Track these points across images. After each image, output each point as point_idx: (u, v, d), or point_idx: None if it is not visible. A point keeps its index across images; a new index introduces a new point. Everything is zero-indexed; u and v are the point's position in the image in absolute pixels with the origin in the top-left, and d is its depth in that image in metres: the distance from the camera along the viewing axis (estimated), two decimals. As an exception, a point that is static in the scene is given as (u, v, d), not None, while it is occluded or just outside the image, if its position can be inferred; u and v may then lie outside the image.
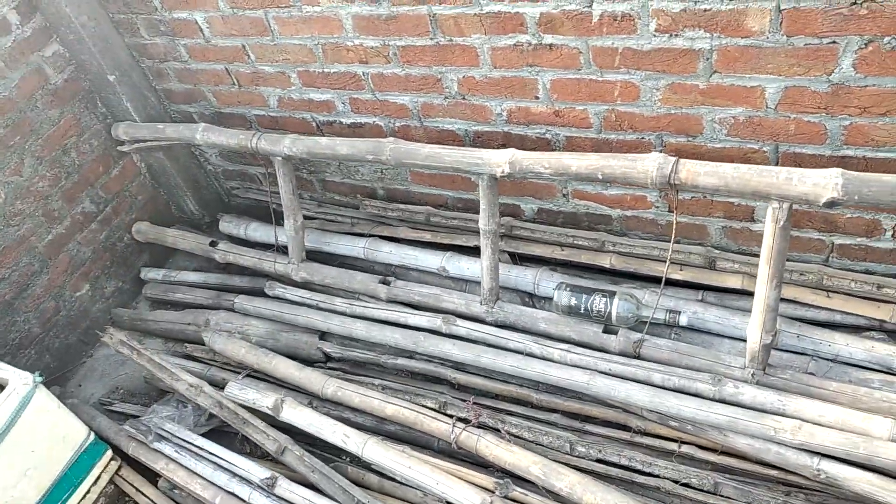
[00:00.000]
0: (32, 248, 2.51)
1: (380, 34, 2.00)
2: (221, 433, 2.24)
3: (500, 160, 1.87)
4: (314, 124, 2.42)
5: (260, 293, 2.57)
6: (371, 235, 2.47)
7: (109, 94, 2.57)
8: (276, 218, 2.76)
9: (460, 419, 1.93)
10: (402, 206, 2.48)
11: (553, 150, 2.05)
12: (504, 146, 2.07)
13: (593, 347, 1.94)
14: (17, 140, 2.39)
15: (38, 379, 1.95)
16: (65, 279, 2.64)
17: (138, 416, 2.41)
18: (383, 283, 2.31)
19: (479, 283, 2.21)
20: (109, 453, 2.19)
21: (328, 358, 2.35)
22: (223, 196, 3.03)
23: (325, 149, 2.17)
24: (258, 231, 2.71)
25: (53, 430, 2.01)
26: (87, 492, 2.13)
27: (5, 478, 1.89)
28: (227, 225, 2.80)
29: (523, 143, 2.07)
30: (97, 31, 2.41)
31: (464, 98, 2.06)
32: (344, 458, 2.09)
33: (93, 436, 2.13)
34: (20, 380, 1.92)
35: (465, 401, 2.00)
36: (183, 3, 2.24)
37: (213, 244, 2.69)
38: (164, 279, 2.83)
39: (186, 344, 2.53)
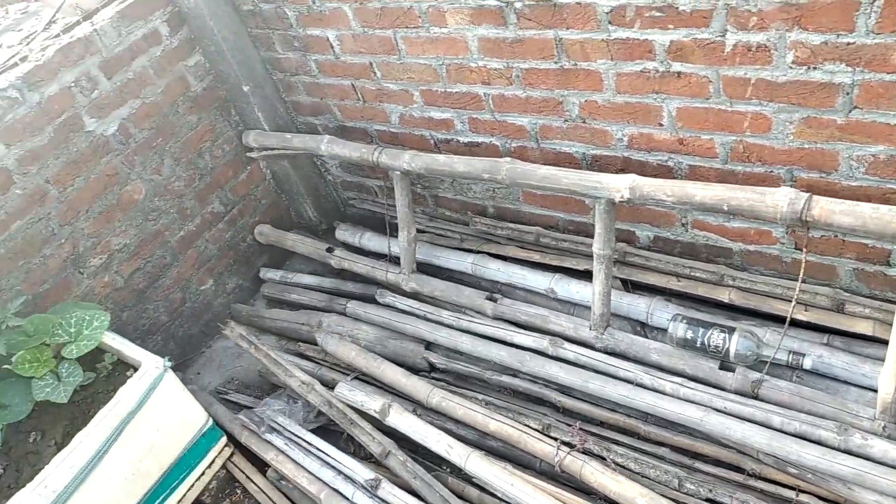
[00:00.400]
0: (166, 243, 2.70)
1: (504, 56, 2.04)
2: (327, 431, 2.34)
3: (619, 185, 1.87)
4: (432, 141, 2.49)
5: (371, 300, 2.66)
6: (479, 252, 2.51)
7: (243, 103, 2.75)
8: (389, 229, 2.86)
9: (564, 443, 1.93)
10: (511, 225, 2.51)
11: (674, 178, 2.02)
12: (622, 171, 2.07)
13: (708, 383, 1.89)
14: (160, 142, 2.59)
15: (168, 364, 2.10)
16: (192, 273, 2.83)
17: (251, 408, 2.55)
18: (490, 299, 2.35)
19: (587, 307, 2.21)
20: (224, 440, 2.32)
21: (432, 368, 2.40)
22: (340, 205, 3.15)
23: (442, 166, 2.24)
24: (372, 241, 2.81)
25: (177, 413, 2.16)
26: (202, 474, 2.27)
27: (133, 452, 2.04)
28: (343, 233, 2.92)
29: (643, 170, 2.06)
30: (236, 45, 2.58)
31: (584, 122, 2.07)
32: (444, 468, 2.13)
33: (211, 421, 2.27)
34: (152, 363, 2.07)
35: (569, 425, 2.00)
36: (317, 21, 2.37)
37: (329, 250, 2.81)
38: (281, 280, 2.98)
39: (300, 343, 2.65)
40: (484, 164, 2.14)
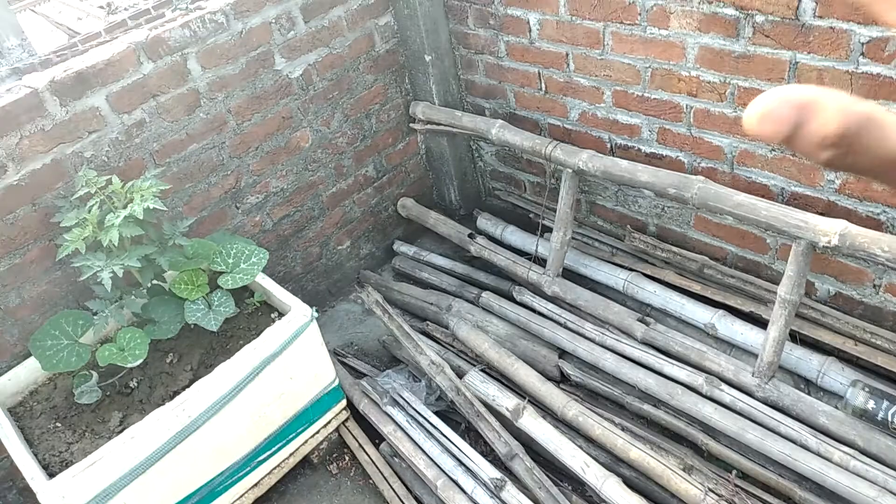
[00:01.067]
0: (318, 196, 2.71)
1: (724, 70, 1.93)
2: (444, 418, 2.28)
3: (828, 229, 1.72)
4: (609, 145, 2.39)
5: (503, 294, 2.59)
6: (633, 270, 2.40)
7: (419, 73, 2.72)
8: (536, 227, 2.78)
9: (712, 490, 1.80)
10: (674, 248, 2.38)
11: (884, 232, 1.86)
12: (823, 215, 1.92)
13: (883, 462, 1.73)
14: (335, 95, 2.59)
15: (315, 314, 2.08)
16: (333, 231, 2.83)
17: (366, 375, 2.52)
18: (641, 321, 2.23)
19: (747, 351, 2.07)
20: (344, 402, 2.29)
21: (563, 378, 2.31)
22: (483, 194, 3.10)
23: (623, 171, 2.14)
24: (515, 235, 2.74)
25: (311, 366, 2.14)
26: (317, 432, 2.25)
27: (264, 395, 2.04)
28: (486, 222, 2.86)
29: (848, 218, 1.90)
30: (429, 12, 2.55)
31: (794, 155, 1.93)
32: (565, 483, 2.04)
33: (337, 381, 2.24)
34: (301, 310, 2.06)
35: (719, 474, 1.86)
36: (522, 1, 2.31)
37: (471, 236, 2.76)
38: (413, 256, 2.95)
39: (427, 321, 2.60)
40: (672, 178, 2.03)
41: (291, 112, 2.48)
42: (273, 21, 2.30)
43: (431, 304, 2.65)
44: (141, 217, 1.85)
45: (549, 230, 2.62)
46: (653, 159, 2.28)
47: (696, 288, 2.28)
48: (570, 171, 2.29)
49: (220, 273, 2.10)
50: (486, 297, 2.55)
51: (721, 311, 2.16)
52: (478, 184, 3.07)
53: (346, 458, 2.32)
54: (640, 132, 2.26)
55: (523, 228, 2.78)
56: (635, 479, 1.95)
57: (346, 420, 2.33)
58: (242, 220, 2.50)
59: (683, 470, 1.89)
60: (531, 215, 2.83)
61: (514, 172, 2.86)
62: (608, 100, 2.29)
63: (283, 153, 2.52)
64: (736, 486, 1.82)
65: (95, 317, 2.02)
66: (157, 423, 1.83)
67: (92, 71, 2.01)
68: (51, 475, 1.84)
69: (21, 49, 6.82)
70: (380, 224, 2.99)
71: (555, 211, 2.66)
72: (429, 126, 2.78)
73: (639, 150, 2.31)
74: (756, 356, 2.05)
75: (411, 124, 2.85)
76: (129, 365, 1.95)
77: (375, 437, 2.29)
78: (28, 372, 2.10)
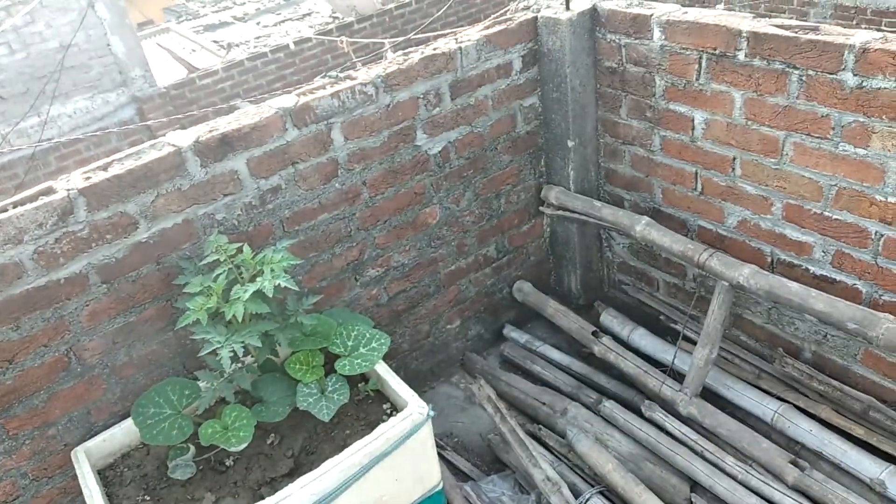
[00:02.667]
0: (436, 273, 2.57)
1: (931, 202, 1.69)
2: (554, 541, 2.05)
3: None
4: (770, 259, 2.16)
5: (626, 404, 2.36)
6: (785, 401, 2.13)
7: (557, 156, 2.57)
8: (665, 331, 2.56)
9: None
10: (833, 381, 2.11)
11: None
12: None
13: None
14: (469, 174, 2.47)
15: (431, 413, 1.91)
16: (445, 309, 2.68)
17: (467, 476, 2.32)
18: (794, 463, 1.96)
19: (928, 521, 1.77)
20: (446, 509, 2.11)
21: (695, 515, 2.05)
22: (606, 286, 2.90)
23: (791, 295, 1.91)
24: (645, 340, 2.52)
25: (419, 467, 1.96)
26: (413, 538, 2.06)
27: (368, 495, 1.86)
28: (611, 320, 2.65)
29: None
30: (579, 98, 2.42)
31: None
32: None
33: (442, 485, 2.06)
34: (418, 406, 1.89)
35: None
36: (689, 98, 2.14)
37: (594, 334, 2.55)
38: (525, 344, 2.76)
39: (540, 426, 2.39)
40: (854, 312, 1.78)
41: (424, 188, 2.37)
42: (421, 96, 2.21)
43: (544, 404, 2.44)
44: (271, 294, 1.74)
45: (679, 335, 2.39)
46: (822, 282, 2.04)
47: (859, 432, 1.99)
48: (725, 284, 2.07)
49: (337, 355, 1.97)
50: (609, 406, 2.33)
51: (892, 467, 1.87)
52: (602, 274, 2.88)
53: (441, 570, 2.12)
54: (812, 251, 2.03)
55: (651, 330, 2.56)
56: None
57: (445, 527, 2.13)
58: (360, 292, 2.39)
59: None
60: (661, 317, 2.60)
61: (648, 269, 2.65)
62: (777, 212, 2.07)
63: (410, 228, 2.40)
64: None
65: (202, 389, 1.92)
66: (255, 519, 1.69)
67: (237, 134, 1.95)
68: (137, 555, 1.72)
69: (143, 80, 7.12)
70: (492, 305, 2.83)
71: (691, 317, 2.43)
72: (560, 212, 2.62)
73: (806, 269, 2.07)
74: (939, 532, 1.75)
75: (541, 207, 2.69)
76: (233, 448, 1.82)
77: (475, 551, 2.08)
78: (124, 434, 2.00)
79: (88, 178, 1.84)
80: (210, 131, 1.94)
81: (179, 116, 5.48)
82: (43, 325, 1.82)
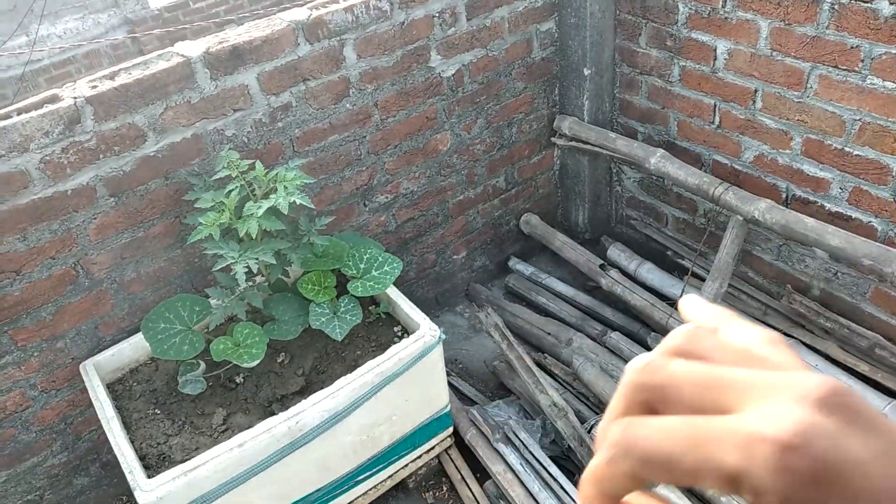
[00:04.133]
0: (444, 202, 2.54)
1: (958, 137, 1.67)
2: (556, 464, 2.09)
3: None
4: (785, 195, 2.14)
5: (631, 336, 2.38)
6: (790, 336, 2.15)
7: (572, 85, 2.52)
8: (672, 266, 2.56)
9: None
10: (841, 319, 2.12)
11: None
12: None
13: None
14: (483, 99, 2.41)
15: (443, 336, 1.92)
16: (452, 239, 2.66)
17: (473, 401, 2.35)
18: (798, 397, 1.99)
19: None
20: (451, 429, 2.13)
21: (696, 444, 2.08)
22: (613, 221, 2.88)
23: (807, 230, 1.90)
24: (652, 274, 2.52)
25: (427, 388, 1.98)
26: (419, 457, 2.09)
27: (377, 414, 1.88)
28: (619, 254, 2.64)
29: None
30: (598, 24, 2.35)
31: None
32: (694, 567, 1.82)
33: (449, 406, 2.08)
34: (429, 330, 1.89)
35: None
36: (713, 27, 2.08)
37: (602, 267, 2.54)
38: (530, 276, 2.76)
39: (545, 354, 2.41)
40: (869, 248, 1.78)
41: (436, 112, 2.31)
42: (437, 15, 2.13)
43: (549, 334, 2.45)
44: (286, 211, 1.71)
45: (686, 271, 2.40)
46: (837, 219, 2.03)
47: (864, 368, 2.02)
48: (739, 218, 2.06)
49: (349, 277, 1.96)
50: (616, 338, 2.34)
51: (895, 402, 1.90)
52: (610, 209, 2.86)
53: (444, 489, 2.16)
54: (829, 188, 2.01)
55: (658, 266, 2.55)
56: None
57: (449, 448, 2.17)
58: (368, 218, 2.36)
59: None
60: (669, 252, 2.59)
61: (657, 204, 2.63)
62: (796, 147, 2.04)
63: (420, 154, 2.36)
64: None
65: (213, 306, 1.90)
66: (266, 433, 1.69)
67: (248, 46, 1.88)
68: (146, 467, 1.73)
69: (136, 1, 6.88)
70: (498, 237, 2.81)
71: (700, 254, 2.43)
72: (572, 143, 2.58)
73: (822, 206, 2.06)
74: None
75: (553, 138, 2.65)
76: (245, 365, 1.82)
77: (478, 471, 2.12)
78: (133, 349, 2.00)
79: (95, 86, 1.77)
80: (220, 42, 1.87)
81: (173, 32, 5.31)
82: (50, 236, 1.79)
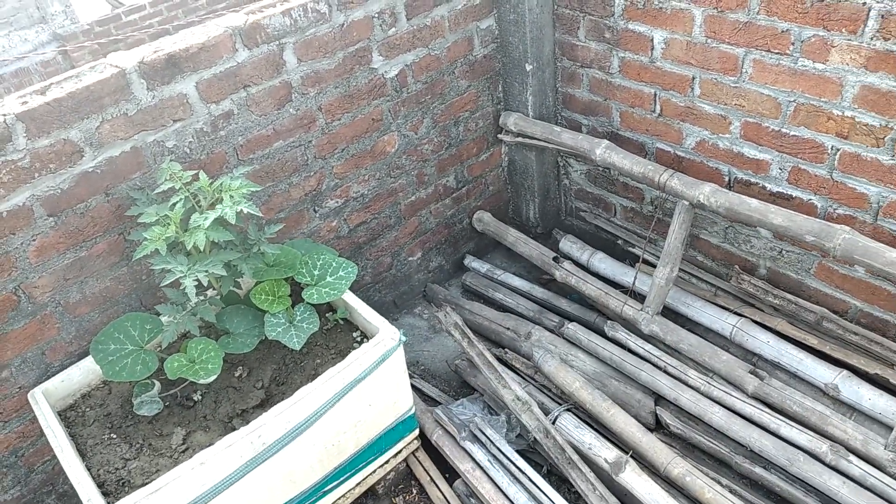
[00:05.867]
0: (396, 204, 2.53)
1: (888, 114, 1.73)
2: (524, 458, 2.09)
3: None
4: (727, 179, 2.20)
5: (588, 326, 2.41)
6: (741, 315, 2.20)
7: (515, 81, 2.53)
8: (623, 255, 2.60)
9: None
10: (788, 296, 2.18)
11: None
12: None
13: None
14: (427, 99, 2.41)
15: (403, 338, 1.90)
16: (406, 241, 2.65)
17: (436, 401, 2.34)
18: (753, 373, 2.04)
19: (874, 418, 1.88)
20: (417, 431, 2.12)
21: (658, 427, 2.12)
22: (563, 213, 2.91)
23: (751, 211, 1.95)
24: (604, 263, 2.55)
25: (391, 392, 1.96)
26: (386, 462, 2.07)
27: (341, 423, 1.86)
28: (571, 246, 2.67)
29: None
30: (537, 19, 2.37)
31: (956, 212, 1.74)
32: (663, 548, 1.85)
33: (414, 409, 2.06)
34: (389, 333, 1.88)
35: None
36: (649, 17, 2.12)
37: (556, 260, 2.57)
38: (486, 273, 2.77)
39: (506, 349, 2.42)
40: (812, 225, 1.84)
41: (382, 114, 2.30)
42: (376, 16, 2.12)
43: (508, 329, 2.46)
44: (233, 221, 1.67)
45: (638, 259, 2.44)
46: (778, 199, 2.09)
47: (812, 342, 2.09)
48: (686, 203, 2.10)
49: (303, 285, 1.93)
50: (573, 328, 2.36)
51: (845, 372, 1.96)
52: (560, 202, 2.89)
53: (414, 492, 2.15)
54: (769, 169, 2.07)
55: (610, 255, 2.59)
56: (748, 553, 1.76)
57: (416, 450, 2.16)
58: (319, 224, 2.33)
59: (806, 551, 1.70)
60: (619, 241, 2.63)
61: (605, 195, 2.67)
62: (735, 131, 2.09)
63: (368, 157, 2.34)
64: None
65: (165, 323, 1.85)
66: (228, 450, 1.66)
67: (185, 54, 1.83)
68: (105, 494, 1.67)
69: (64, 16, 6.67)
70: (452, 237, 2.81)
71: (650, 241, 2.48)
72: (519, 139, 2.60)
73: (763, 187, 2.12)
74: (885, 425, 1.87)
75: (499, 135, 2.66)
76: (201, 381, 1.77)
77: (447, 471, 2.11)
78: (82, 374, 1.93)
79: (25, 102, 1.70)
80: (155, 52, 1.82)
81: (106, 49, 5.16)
82: (-13, 262, 1.72)
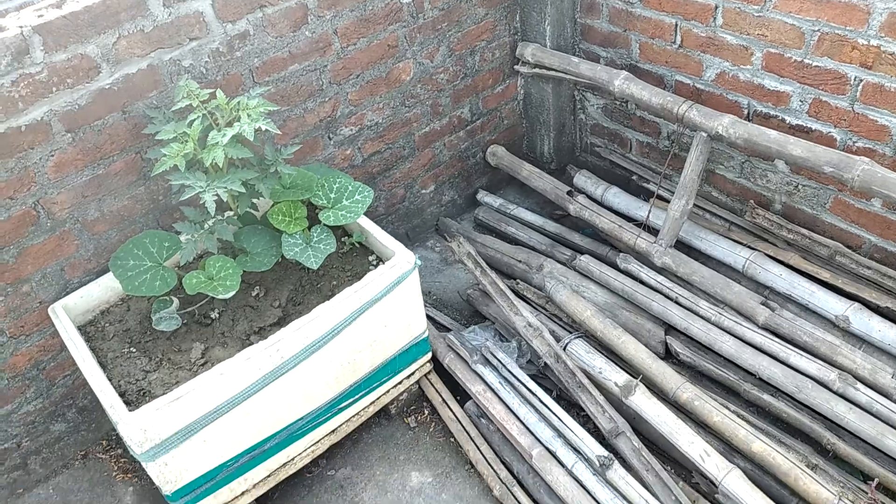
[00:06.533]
0: (410, 134, 2.52)
1: (914, 40, 1.71)
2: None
3: None
4: (747, 112, 2.18)
5: (600, 259, 2.42)
6: (755, 249, 2.21)
7: (533, 11, 2.49)
8: (638, 191, 2.60)
9: (846, 497, 1.65)
10: (803, 230, 2.19)
11: None
12: None
13: None
14: (444, 26, 2.37)
15: (418, 262, 1.92)
16: (419, 173, 2.65)
17: (447, 328, 2.37)
18: (765, 305, 2.06)
19: (883, 350, 1.90)
20: (430, 355, 2.15)
21: (668, 355, 2.15)
22: (578, 149, 2.89)
23: (770, 142, 1.94)
24: (618, 198, 2.55)
25: (406, 314, 1.99)
26: (399, 383, 2.11)
27: (356, 341, 1.89)
28: (585, 181, 2.67)
29: None
30: (558, -55, 2.32)
31: (978, 143, 1.72)
32: (667, 466, 1.90)
33: (427, 332, 2.10)
34: (405, 257, 1.90)
35: (849, 481, 1.71)
36: (672, -58, 2.07)
37: (570, 193, 2.57)
38: (499, 208, 2.77)
39: (518, 280, 2.43)
40: (831, 156, 1.83)
41: (397, 40, 2.27)
42: (395, -66, 2.08)
43: (520, 261, 2.48)
44: (251, 138, 1.67)
45: (652, 194, 2.44)
46: (798, 132, 2.07)
47: (825, 276, 2.10)
48: (704, 135, 2.09)
49: (319, 208, 1.94)
50: (586, 260, 2.38)
51: (857, 305, 1.98)
52: (575, 137, 2.87)
53: (426, 412, 2.20)
54: (789, 101, 2.05)
55: (623, 190, 2.59)
56: (750, 471, 1.80)
57: (429, 373, 2.20)
58: (333, 151, 2.32)
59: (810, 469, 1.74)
60: (633, 177, 2.63)
61: (621, 129, 2.65)
62: (757, 62, 2.06)
63: (383, 84, 2.32)
64: (874, 498, 1.67)
65: (183, 241, 1.87)
66: (248, 362, 1.69)
67: (202, -31, 1.81)
68: (127, 403, 1.71)
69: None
70: (465, 171, 2.80)
71: (665, 176, 2.47)
72: (536, 70, 2.57)
73: (783, 120, 2.10)
74: (894, 356, 1.89)
75: (516, 66, 2.63)
76: (221, 296, 1.80)
77: (458, 394, 2.16)
78: (101, 291, 1.96)
79: (41, 15, 1.69)
80: (173, -34, 1.80)
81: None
82: (7, 175, 1.72)
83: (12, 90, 1.65)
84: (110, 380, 1.75)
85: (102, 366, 1.80)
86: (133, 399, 1.74)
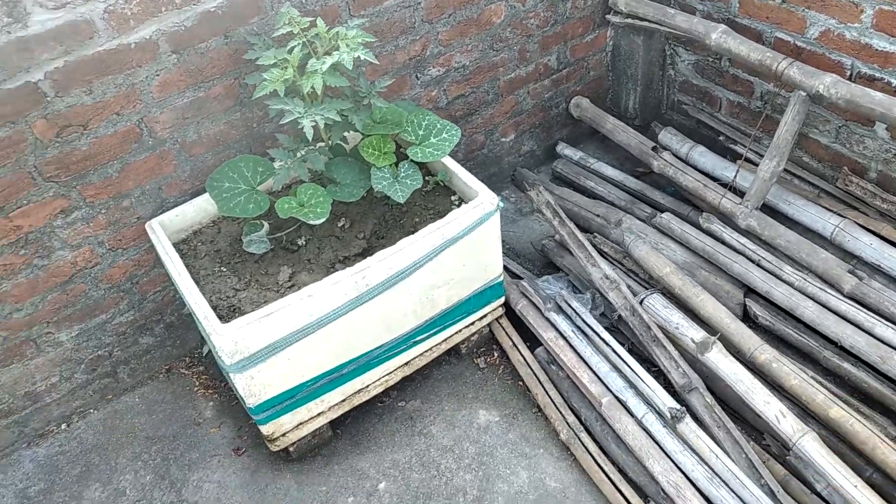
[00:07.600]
0: (496, 79, 2.51)
1: None
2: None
3: None
4: (849, 73, 2.09)
5: (681, 218, 2.39)
6: (844, 217, 2.14)
7: (631, -41, 2.43)
8: (724, 152, 2.54)
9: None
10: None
11: None
12: None
13: None
14: (539, -30, 2.34)
15: (501, 204, 1.93)
16: (501, 120, 2.64)
17: (522, 277, 2.39)
18: (852, 273, 2.01)
19: (977, 326, 1.84)
20: (503, 299, 2.18)
21: (745, 318, 2.12)
22: (664, 106, 2.83)
23: (874, 104, 1.87)
24: (705, 157, 2.49)
25: (483, 256, 2.01)
26: (472, 323, 2.15)
27: (436, 277, 1.92)
28: (670, 138, 2.61)
29: None
30: None
31: None
32: (739, 426, 1.89)
33: (503, 276, 2.12)
34: (488, 198, 1.91)
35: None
36: None
37: (654, 149, 2.53)
38: (579, 161, 2.75)
39: (595, 234, 2.43)
40: (942, 119, 1.75)
41: (493, -20, 2.25)
42: None
43: (598, 215, 2.46)
44: (350, 66, 1.70)
45: (739, 156, 2.38)
46: (904, 95, 1.99)
47: (917, 248, 2.03)
48: (803, 94, 2.02)
49: (407, 144, 1.96)
50: (667, 217, 2.35)
51: (950, 279, 1.92)
52: (662, 94, 2.81)
53: (495, 355, 2.23)
54: (899, 62, 1.96)
55: (711, 149, 2.53)
56: (825, 436, 1.78)
57: (500, 317, 2.23)
58: (419, 92, 2.34)
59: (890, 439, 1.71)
60: (720, 138, 2.56)
61: (711, 87, 2.58)
62: (867, 20, 1.97)
63: (474, 26, 2.31)
64: (956, 472, 1.64)
65: (277, 167, 1.92)
66: (335, 286, 1.75)
67: None
68: (218, 318, 1.79)
69: None
70: (547, 121, 2.78)
71: (755, 138, 2.41)
72: (628, 20, 2.51)
73: (888, 83, 2.01)
74: None
75: (607, 16, 2.58)
76: (312, 222, 1.85)
77: (528, 341, 2.18)
78: (195, 211, 2.03)
79: (156, -64, 1.74)
80: None
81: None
82: (115, 91, 1.79)
83: (125, 7, 1.71)
84: (203, 294, 1.84)
85: (195, 282, 1.89)
86: (224, 314, 1.82)
